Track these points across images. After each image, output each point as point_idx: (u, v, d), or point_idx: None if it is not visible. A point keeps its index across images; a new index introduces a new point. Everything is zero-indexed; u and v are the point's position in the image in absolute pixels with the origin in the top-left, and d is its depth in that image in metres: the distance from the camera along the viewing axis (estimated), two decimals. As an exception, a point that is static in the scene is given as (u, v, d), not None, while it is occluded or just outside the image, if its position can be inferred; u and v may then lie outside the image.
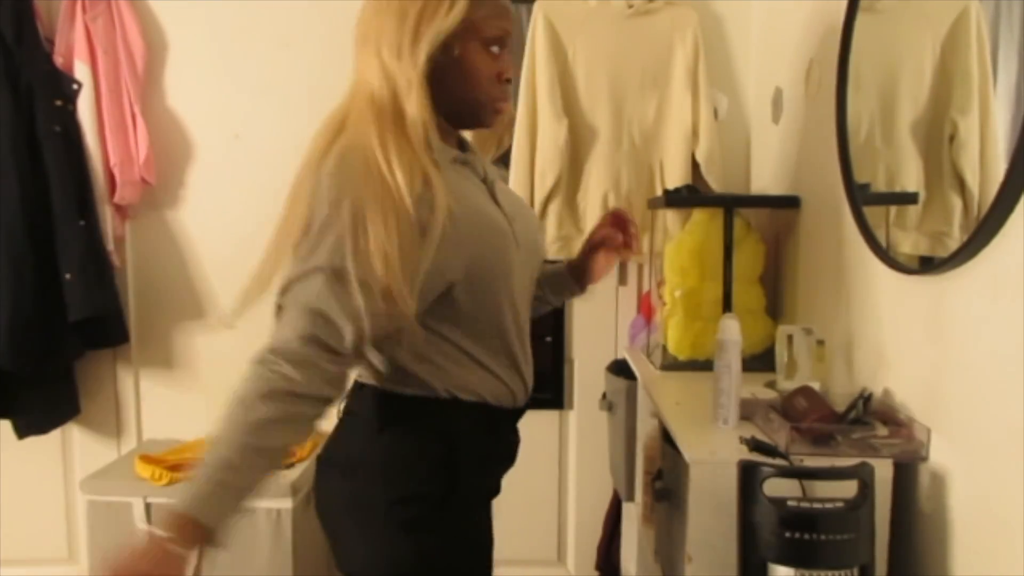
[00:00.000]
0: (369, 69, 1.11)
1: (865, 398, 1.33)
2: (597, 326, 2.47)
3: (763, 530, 1.10)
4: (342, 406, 1.20)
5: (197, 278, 2.44)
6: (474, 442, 1.16)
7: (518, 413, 1.26)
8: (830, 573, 1.08)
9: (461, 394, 1.14)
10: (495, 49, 1.13)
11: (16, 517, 2.47)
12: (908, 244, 1.37)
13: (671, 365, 1.95)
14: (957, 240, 1.18)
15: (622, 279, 2.47)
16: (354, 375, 1.20)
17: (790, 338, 1.62)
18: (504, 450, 1.27)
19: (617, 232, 1.34)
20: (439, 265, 1.05)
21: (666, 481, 1.49)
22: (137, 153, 2.30)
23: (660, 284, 2.10)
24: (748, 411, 1.44)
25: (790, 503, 1.09)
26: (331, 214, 1.01)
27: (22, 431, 2.28)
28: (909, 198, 1.36)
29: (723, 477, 1.19)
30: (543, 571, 2.53)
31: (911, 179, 1.37)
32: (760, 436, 1.30)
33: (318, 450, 1.25)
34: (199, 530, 0.97)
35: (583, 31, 2.25)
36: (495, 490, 1.28)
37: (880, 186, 1.46)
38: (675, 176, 2.25)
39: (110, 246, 2.29)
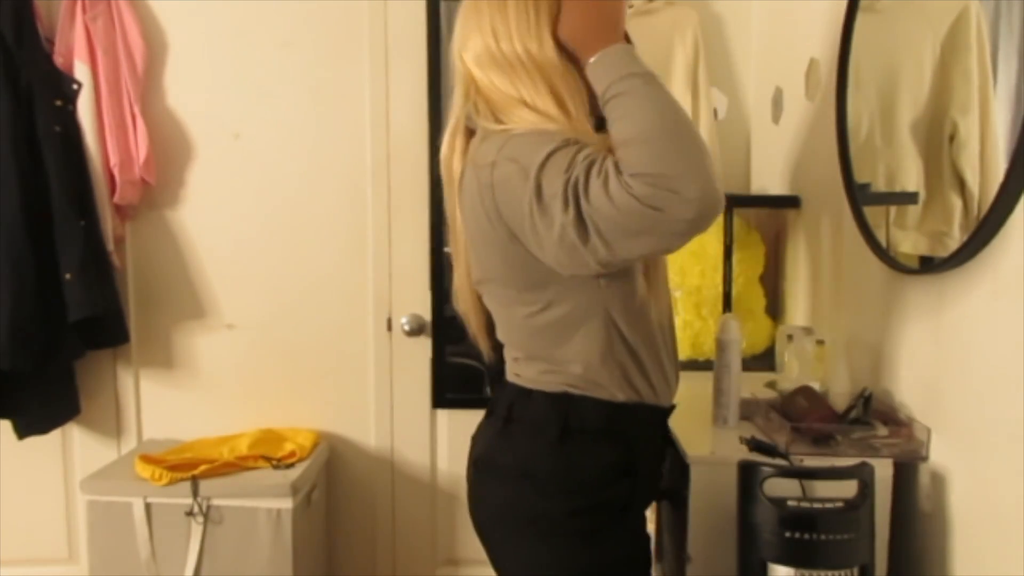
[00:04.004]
0: None
1: (865, 398, 1.33)
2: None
3: (763, 530, 1.10)
4: (500, 413, 1.20)
5: (197, 278, 2.44)
6: (648, 446, 1.19)
7: (670, 412, 1.27)
8: (830, 573, 1.08)
9: (645, 398, 1.15)
10: None
11: (16, 517, 2.47)
12: (908, 244, 1.37)
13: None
14: (957, 240, 1.18)
15: (622, 279, 2.47)
16: (521, 380, 1.19)
17: (790, 338, 1.62)
18: (663, 451, 1.28)
19: None
20: None
21: (666, 481, 1.49)
22: (137, 153, 2.30)
23: (660, 284, 2.10)
24: (748, 411, 1.45)
25: (790, 503, 1.09)
26: None
27: (22, 431, 2.28)
28: (909, 198, 1.36)
29: (723, 477, 1.19)
30: (543, 571, 2.53)
31: (911, 179, 1.37)
32: (760, 436, 1.30)
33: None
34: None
35: (583, 31, 2.25)
36: (656, 492, 1.29)
37: (880, 186, 1.46)
38: (675, 176, 2.25)
39: (110, 246, 2.28)
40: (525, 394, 1.17)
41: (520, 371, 1.19)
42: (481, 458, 1.22)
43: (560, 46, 1.09)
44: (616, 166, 0.96)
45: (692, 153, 0.96)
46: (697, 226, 0.95)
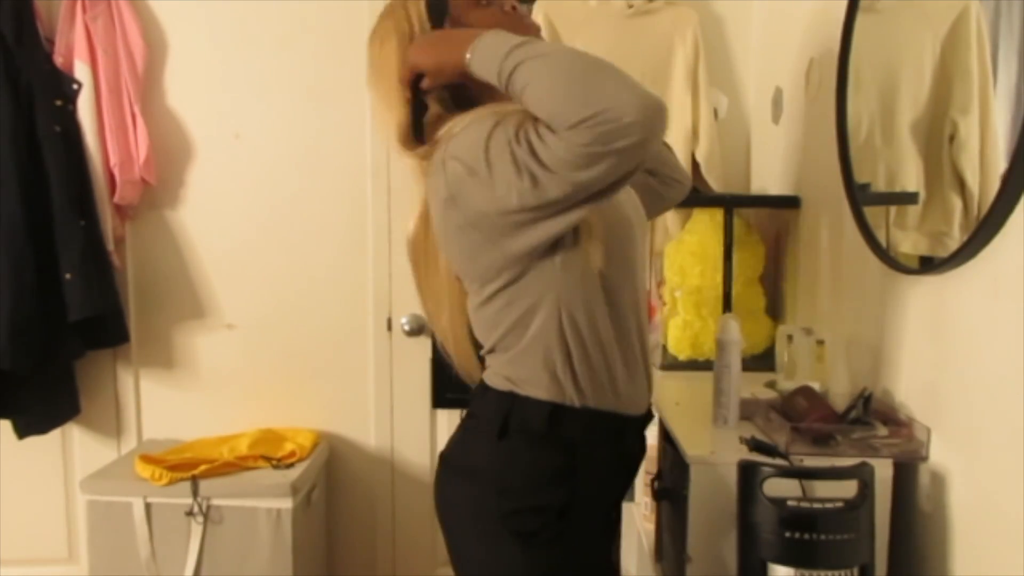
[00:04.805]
0: None
1: (865, 398, 1.33)
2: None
3: (763, 530, 1.10)
4: (467, 409, 1.21)
5: (197, 278, 2.44)
6: (596, 453, 1.15)
7: (644, 421, 1.25)
8: (830, 573, 1.08)
9: (592, 402, 1.13)
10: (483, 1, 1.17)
11: (16, 517, 2.47)
12: (908, 244, 1.37)
13: (671, 365, 1.95)
14: (957, 240, 1.18)
15: (622, 279, 2.47)
16: (484, 376, 1.19)
17: (790, 338, 1.62)
18: (627, 461, 1.26)
19: None
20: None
21: (666, 481, 1.49)
22: (137, 153, 2.30)
23: (660, 284, 2.10)
24: (748, 411, 1.44)
25: (790, 503, 1.09)
26: None
27: (22, 431, 2.28)
28: (909, 198, 1.36)
29: (723, 477, 1.19)
30: (543, 571, 2.53)
31: (911, 179, 1.37)
32: (760, 436, 1.30)
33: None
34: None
35: (583, 31, 2.25)
36: (616, 502, 1.27)
37: (880, 186, 1.46)
38: (675, 176, 2.25)
39: (110, 246, 2.28)
40: (483, 390, 1.18)
41: (486, 366, 1.20)
42: (444, 453, 1.23)
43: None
44: (547, 127, 0.98)
45: (609, 81, 0.97)
46: (650, 138, 0.97)
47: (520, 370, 1.13)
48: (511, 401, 1.13)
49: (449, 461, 1.22)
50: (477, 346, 1.23)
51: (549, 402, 1.11)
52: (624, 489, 1.28)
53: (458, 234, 1.11)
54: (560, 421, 1.12)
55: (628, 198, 1.23)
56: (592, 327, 1.12)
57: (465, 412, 1.23)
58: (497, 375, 1.16)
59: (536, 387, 1.12)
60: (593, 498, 1.19)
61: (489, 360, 1.19)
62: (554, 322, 1.10)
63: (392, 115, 1.16)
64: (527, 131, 1.00)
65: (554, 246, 1.08)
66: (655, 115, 0.97)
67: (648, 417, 1.26)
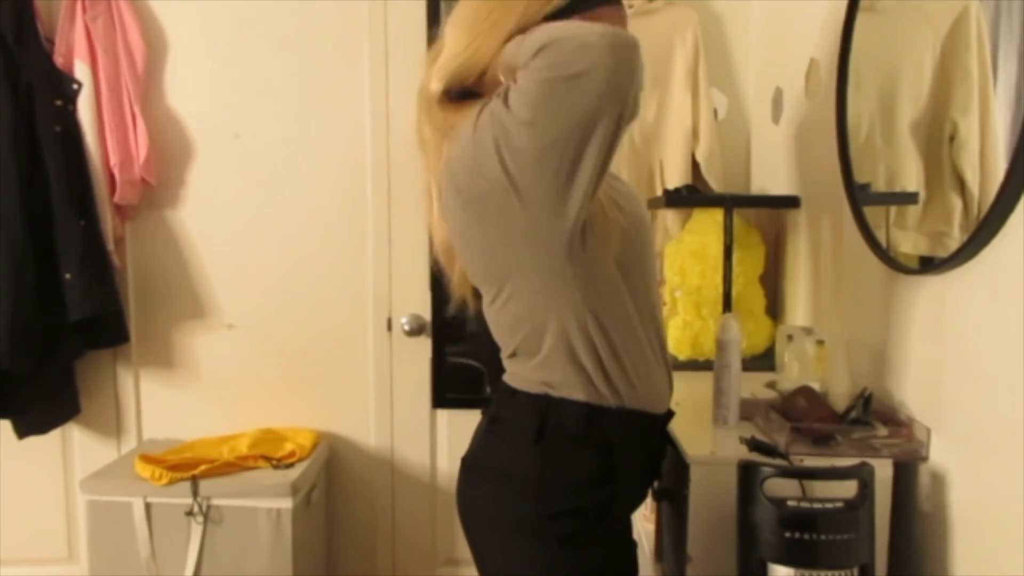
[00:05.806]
0: None
1: (865, 398, 1.33)
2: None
3: (763, 530, 1.10)
4: (491, 412, 1.20)
5: (197, 278, 2.44)
6: (631, 453, 1.15)
7: (667, 418, 1.25)
8: (830, 573, 1.08)
9: (627, 402, 1.12)
10: None
11: (16, 517, 2.47)
12: (908, 244, 1.37)
13: (671, 365, 1.94)
14: (957, 240, 1.18)
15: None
16: (509, 379, 1.18)
17: (790, 338, 1.62)
18: (654, 460, 1.26)
19: None
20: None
21: (666, 481, 1.49)
22: (137, 153, 2.30)
23: (660, 284, 2.11)
24: (748, 411, 1.44)
25: (790, 503, 1.09)
26: None
27: (22, 431, 2.28)
28: (909, 198, 1.36)
29: (723, 477, 1.19)
30: (543, 571, 2.53)
31: (911, 179, 1.37)
32: (760, 436, 1.30)
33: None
34: None
35: (583, 31, 2.25)
36: (642, 500, 1.27)
37: (880, 186, 1.46)
38: (675, 176, 2.25)
39: (110, 246, 2.28)
40: (511, 394, 1.17)
41: (509, 369, 1.19)
42: (468, 457, 1.22)
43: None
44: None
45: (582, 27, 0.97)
46: (613, 64, 0.93)
47: (552, 374, 1.12)
48: (546, 404, 1.12)
49: (475, 465, 1.20)
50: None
51: (586, 404, 1.11)
52: (649, 488, 1.29)
53: (478, 232, 1.10)
54: (597, 422, 1.11)
55: (640, 196, 1.23)
56: (621, 326, 1.11)
57: (487, 416, 1.21)
58: (526, 379, 1.15)
59: (572, 389, 1.11)
60: (629, 498, 1.20)
61: (512, 364, 1.18)
62: (578, 324, 1.09)
63: (469, 52, 1.10)
64: (507, 89, 1.01)
65: (572, 246, 1.06)
66: (623, 39, 0.94)
67: (670, 415, 1.26)
